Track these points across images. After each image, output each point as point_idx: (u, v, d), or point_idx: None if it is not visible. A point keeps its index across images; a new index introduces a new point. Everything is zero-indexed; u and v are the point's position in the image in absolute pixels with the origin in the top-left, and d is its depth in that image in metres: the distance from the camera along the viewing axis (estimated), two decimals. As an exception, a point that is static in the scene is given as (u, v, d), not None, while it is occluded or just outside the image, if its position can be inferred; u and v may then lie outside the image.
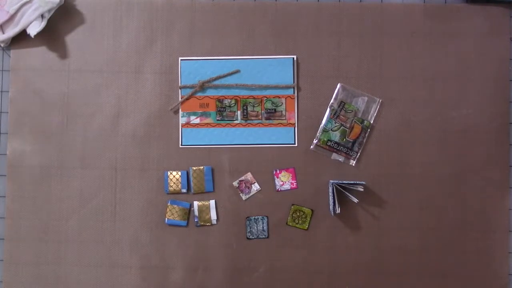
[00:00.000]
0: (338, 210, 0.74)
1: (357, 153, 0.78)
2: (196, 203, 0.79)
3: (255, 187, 0.79)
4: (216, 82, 0.79)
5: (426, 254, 0.78)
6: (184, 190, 0.79)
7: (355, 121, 0.79)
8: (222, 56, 0.80)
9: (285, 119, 0.79)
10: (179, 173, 0.79)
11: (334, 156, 0.79)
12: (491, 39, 0.79)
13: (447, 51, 0.79)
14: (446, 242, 0.78)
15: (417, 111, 0.79)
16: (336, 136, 0.79)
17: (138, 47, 0.80)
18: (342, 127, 0.79)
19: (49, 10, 0.77)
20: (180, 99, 0.79)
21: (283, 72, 0.79)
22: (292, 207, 0.78)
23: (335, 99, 0.79)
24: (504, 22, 0.79)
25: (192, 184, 0.78)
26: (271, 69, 0.79)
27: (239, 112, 0.79)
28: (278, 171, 0.79)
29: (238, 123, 0.79)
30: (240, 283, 0.78)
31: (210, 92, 0.80)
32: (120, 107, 0.80)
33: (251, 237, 0.78)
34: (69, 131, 0.80)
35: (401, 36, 0.79)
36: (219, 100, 0.80)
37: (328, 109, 0.79)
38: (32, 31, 0.76)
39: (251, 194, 0.79)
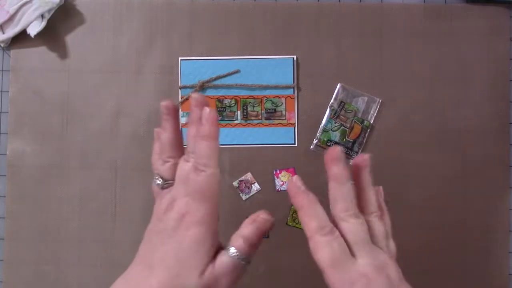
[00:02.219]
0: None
1: (357, 153, 0.78)
2: (196, 203, 0.78)
3: (255, 187, 0.79)
4: (216, 82, 0.79)
5: (426, 254, 0.78)
6: (184, 190, 0.79)
7: (355, 121, 0.79)
8: (222, 56, 0.80)
9: (285, 119, 0.79)
10: (179, 173, 0.78)
11: (334, 156, 0.78)
12: (491, 39, 0.79)
13: (447, 51, 0.79)
14: (446, 242, 0.78)
15: (417, 111, 0.79)
16: (336, 136, 0.78)
17: (138, 47, 0.80)
18: (342, 127, 0.79)
19: (49, 10, 0.77)
20: (180, 99, 0.79)
21: (283, 72, 0.79)
22: (292, 207, 0.78)
23: (335, 99, 0.79)
24: (504, 22, 0.79)
25: (192, 184, 0.78)
26: (271, 69, 0.79)
27: (239, 112, 0.79)
28: (278, 171, 0.79)
29: (238, 123, 0.79)
30: (240, 283, 0.78)
31: (210, 92, 0.80)
32: (120, 107, 0.80)
33: (251, 237, 0.78)
34: (69, 131, 0.80)
35: (401, 36, 0.79)
36: (219, 100, 0.79)
37: (328, 109, 0.79)
38: (32, 31, 0.76)
39: (251, 194, 0.79)
